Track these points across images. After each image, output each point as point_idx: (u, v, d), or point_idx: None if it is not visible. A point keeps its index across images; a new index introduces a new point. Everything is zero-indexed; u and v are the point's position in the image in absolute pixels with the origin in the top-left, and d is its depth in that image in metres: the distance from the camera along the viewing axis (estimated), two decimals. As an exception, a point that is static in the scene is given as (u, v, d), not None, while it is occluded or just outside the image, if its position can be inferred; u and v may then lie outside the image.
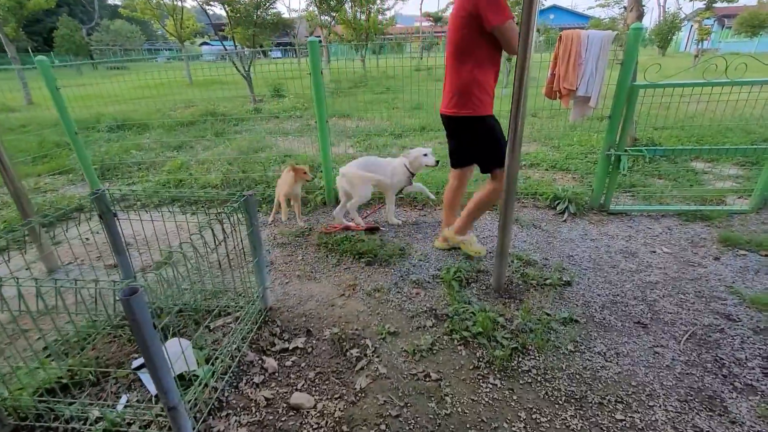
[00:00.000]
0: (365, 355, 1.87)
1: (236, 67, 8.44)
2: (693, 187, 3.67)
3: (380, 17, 18.56)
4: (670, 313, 2.09)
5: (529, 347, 1.87)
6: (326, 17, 18.24)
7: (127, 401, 1.63)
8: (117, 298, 1.11)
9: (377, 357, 1.85)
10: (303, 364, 1.84)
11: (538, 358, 1.82)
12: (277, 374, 1.78)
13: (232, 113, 8.03)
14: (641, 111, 4.43)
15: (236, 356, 1.83)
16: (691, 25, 23.72)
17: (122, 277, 2.09)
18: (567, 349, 1.86)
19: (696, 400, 1.60)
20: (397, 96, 9.59)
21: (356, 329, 2.03)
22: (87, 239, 2.78)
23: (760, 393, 1.62)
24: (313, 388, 1.71)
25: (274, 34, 15.61)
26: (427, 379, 1.72)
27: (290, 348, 1.93)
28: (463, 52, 2.19)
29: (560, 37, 2.79)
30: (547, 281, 2.35)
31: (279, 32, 16.84)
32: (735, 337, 1.91)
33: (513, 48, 2.06)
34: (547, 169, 4.32)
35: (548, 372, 1.74)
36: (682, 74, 3.09)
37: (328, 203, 3.57)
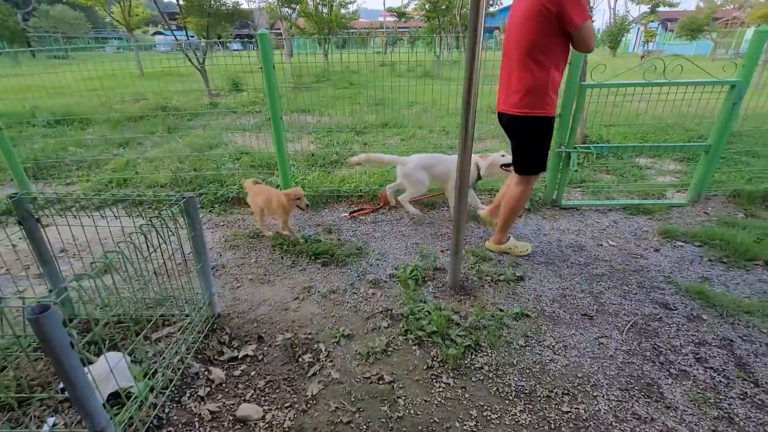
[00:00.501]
0: (318, 360, 1.82)
1: (189, 59, 8.02)
2: (637, 182, 3.88)
3: (343, 11, 18.29)
4: (615, 304, 2.18)
5: (483, 344, 1.89)
6: (287, 9, 17.76)
7: (54, 424, 1.49)
8: (27, 317, 1.00)
9: (330, 361, 1.81)
10: (253, 373, 1.76)
11: (490, 354, 1.84)
12: (224, 385, 1.70)
13: (186, 108, 7.65)
14: (592, 109, 4.62)
15: (180, 368, 1.73)
16: (638, 28, 25.13)
17: (50, 288, 1.91)
18: (518, 344, 1.90)
19: (636, 388, 1.67)
20: (360, 91, 9.51)
21: (310, 333, 1.98)
22: (15, 246, 2.53)
23: (692, 378, 1.72)
24: (263, 398, 1.64)
25: (232, 26, 15.01)
26: (381, 382, 1.70)
27: (239, 356, 1.84)
28: (539, 51, 2.10)
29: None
30: (501, 277, 2.39)
31: (237, 23, 16.21)
32: (671, 325, 2.02)
33: (590, 47, 2.07)
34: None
35: (500, 368, 1.77)
36: (627, 74, 3.24)
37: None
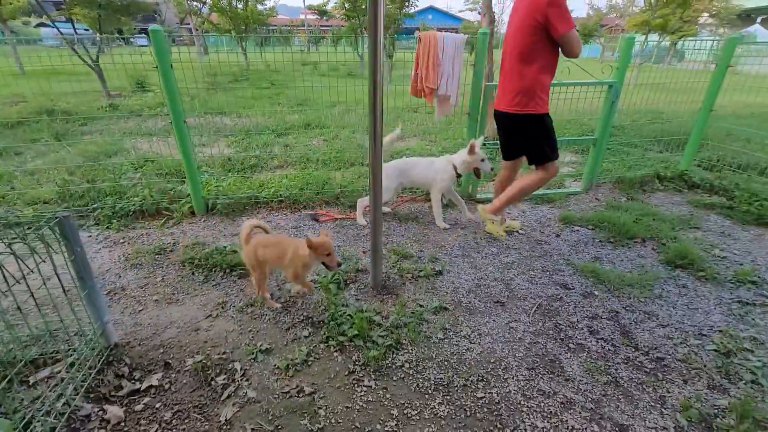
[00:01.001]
0: (233, 380, 1.71)
1: (79, 56, 7.10)
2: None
3: (260, 7, 17.53)
4: (523, 289, 2.36)
5: (403, 341, 1.92)
6: (195, 3, 16.56)
7: None
8: None
9: (246, 380, 1.71)
10: (158, 405, 1.60)
11: (411, 351, 1.88)
12: (123, 424, 1.52)
13: (78, 111, 6.76)
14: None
15: (64, 413, 1.51)
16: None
17: None
18: (437, 337, 1.96)
19: (541, 365, 1.82)
20: (282, 91, 9.21)
21: (224, 353, 1.85)
22: None
23: (587, 350, 1.91)
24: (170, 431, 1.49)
25: (133, 19, 13.58)
26: (301, 395, 1.64)
27: (142, 388, 1.66)
28: (529, 56, 2.38)
29: (419, 38, 2.91)
30: (422, 273, 2.45)
31: (140, 17, 14.72)
32: (570, 304, 2.23)
33: (575, 53, 2.35)
34: (425, 163, 4.56)
35: (420, 363, 1.81)
36: None
37: (198, 213, 3.21)
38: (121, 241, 2.83)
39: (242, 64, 11.99)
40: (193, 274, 2.45)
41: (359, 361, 1.81)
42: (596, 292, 2.33)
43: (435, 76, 2.93)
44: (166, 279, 2.41)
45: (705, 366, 1.81)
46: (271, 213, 3.28)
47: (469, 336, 1.98)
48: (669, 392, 1.69)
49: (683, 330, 2.03)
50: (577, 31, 2.33)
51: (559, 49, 2.38)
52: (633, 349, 1.92)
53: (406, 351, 1.88)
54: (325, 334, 1.95)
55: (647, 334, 2.00)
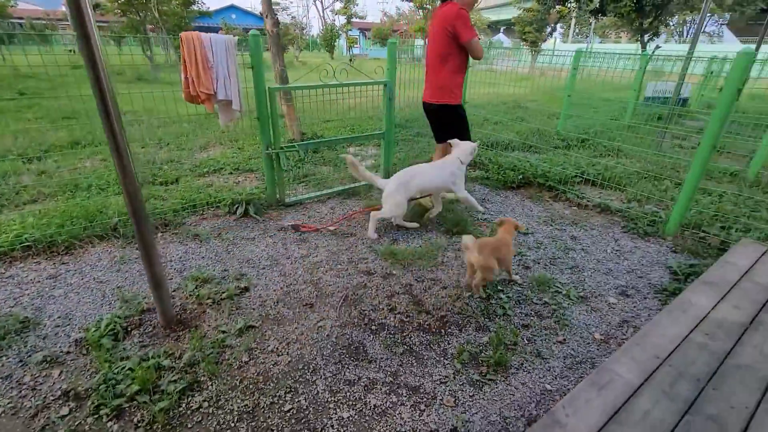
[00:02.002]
0: None
1: None
2: (348, 169, 4.48)
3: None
4: (331, 285, 2.43)
5: (201, 379, 1.72)
6: None
7: None
8: None
9: None
10: None
11: (210, 387, 1.69)
12: None
13: None
14: (312, 108, 5.01)
15: None
16: (342, 35, 29.42)
17: None
18: (242, 361, 1.83)
19: (347, 356, 1.89)
20: (36, 103, 7.20)
21: None
22: None
23: (386, 328, 2.09)
24: None
25: None
26: (54, 496, 1.28)
27: None
28: (444, 58, 3.08)
29: (181, 38, 2.63)
30: (224, 294, 2.25)
31: None
32: (372, 288, 2.41)
33: (479, 56, 3.07)
34: (231, 173, 4.25)
35: (221, 397, 1.65)
36: (325, 76, 3.64)
37: None
38: None
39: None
40: None
41: (143, 422, 1.52)
42: (394, 272, 2.57)
43: (209, 79, 2.70)
44: None
45: (474, 312, 2.21)
46: (13, 265, 2.50)
47: (277, 349, 1.92)
48: (449, 344, 1.99)
49: (459, 287, 2.43)
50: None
51: (467, 53, 3.06)
52: (424, 314, 2.19)
53: (204, 389, 1.68)
54: (93, 403, 1.57)
55: (433, 299, 2.32)
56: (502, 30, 33.58)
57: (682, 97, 6.92)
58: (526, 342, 2.01)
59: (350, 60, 18.63)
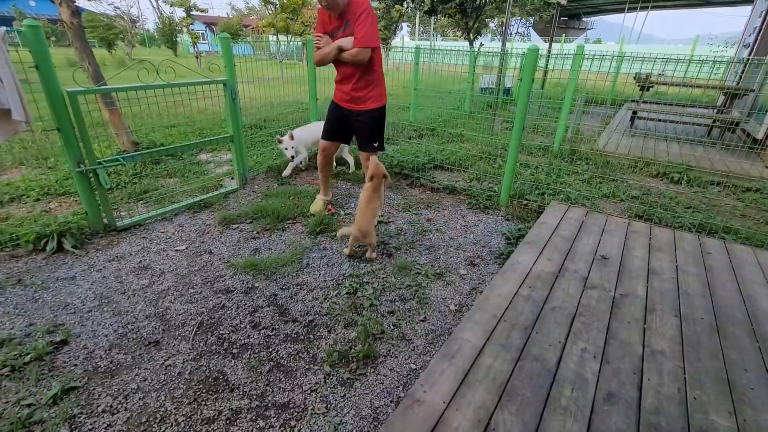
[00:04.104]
0: None
1: None
2: (199, 178, 4.03)
3: None
4: (181, 314, 2.13)
5: (-5, 477, 1.31)
6: None
7: None
8: None
9: None
10: None
11: (10, 483, 1.30)
12: None
13: None
14: (145, 112, 4.30)
15: None
16: (184, 30, 26.49)
17: None
18: (59, 435, 1.46)
19: (204, 391, 1.68)
20: None
21: None
22: None
23: (250, 347, 1.92)
24: None
25: None
26: None
27: None
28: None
29: None
30: (29, 356, 1.77)
31: None
32: (232, 307, 2.19)
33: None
34: (37, 200, 3.40)
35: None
36: (186, 73, 3.10)
37: None
38: None
39: None
40: None
41: None
42: (257, 284, 2.40)
43: (-34, 84, 2.06)
44: None
45: (342, 310, 2.20)
46: None
47: (111, 407, 1.59)
48: (318, 348, 1.93)
49: (325, 287, 2.39)
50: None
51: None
52: (291, 323, 2.09)
53: (0, 488, 1.28)
54: None
55: (300, 304, 2.23)
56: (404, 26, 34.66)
57: (507, 87, 8.15)
58: (392, 328, 2.08)
59: (196, 57, 16.89)
